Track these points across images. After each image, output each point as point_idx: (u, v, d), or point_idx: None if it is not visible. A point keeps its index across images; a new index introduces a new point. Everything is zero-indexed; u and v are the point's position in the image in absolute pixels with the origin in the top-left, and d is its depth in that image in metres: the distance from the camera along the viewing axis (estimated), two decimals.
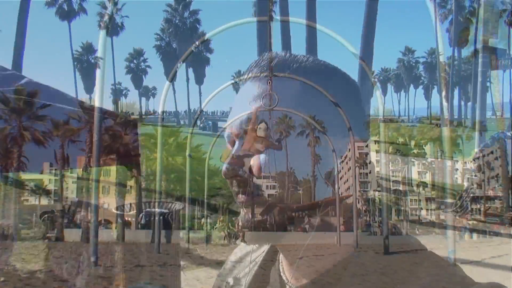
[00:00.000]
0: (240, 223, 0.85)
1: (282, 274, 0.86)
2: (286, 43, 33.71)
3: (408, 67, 55.03)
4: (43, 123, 19.91)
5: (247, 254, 0.96)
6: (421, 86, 56.14)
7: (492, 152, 17.41)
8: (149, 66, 51.97)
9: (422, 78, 55.63)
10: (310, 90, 0.83)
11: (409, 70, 54.81)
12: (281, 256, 0.88)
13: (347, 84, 0.87)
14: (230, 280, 0.94)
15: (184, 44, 44.17)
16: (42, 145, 20.22)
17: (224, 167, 0.83)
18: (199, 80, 50.41)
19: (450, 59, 44.14)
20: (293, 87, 0.82)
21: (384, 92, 55.04)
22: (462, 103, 47.54)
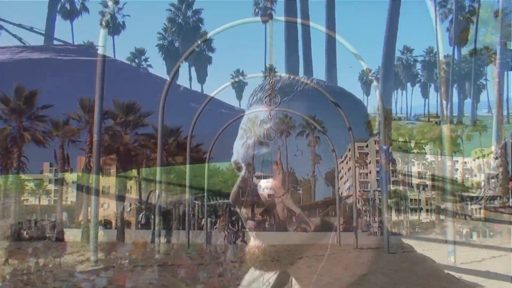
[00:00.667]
0: (250, 251, 0.85)
1: None
2: (306, 45, 33.96)
3: (406, 65, 55.36)
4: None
5: (260, 275, 0.96)
6: (418, 84, 56.55)
7: None
8: (150, 66, 52.01)
9: (419, 76, 56.02)
10: (313, 113, 0.83)
11: (407, 68, 55.15)
12: (293, 279, 0.89)
13: (354, 105, 0.87)
14: None
15: (187, 43, 44.43)
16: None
17: (232, 193, 0.84)
18: (201, 79, 50.51)
19: (448, 57, 44.31)
20: (297, 110, 0.82)
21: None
22: (457, 100, 48.00)
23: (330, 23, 33.20)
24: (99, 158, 14.40)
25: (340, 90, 0.89)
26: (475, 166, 29.33)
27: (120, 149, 20.48)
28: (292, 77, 0.85)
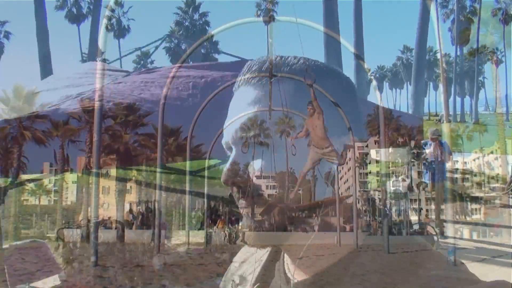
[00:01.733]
0: (242, 225, 0.86)
1: (287, 271, 0.86)
2: (336, 47, 34.28)
3: (406, 64, 55.85)
4: None
5: (252, 254, 0.96)
6: None
7: None
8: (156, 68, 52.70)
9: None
10: (301, 94, 0.82)
11: (407, 67, 55.58)
12: (284, 255, 0.89)
13: (342, 82, 0.86)
14: (236, 279, 0.95)
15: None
16: None
17: (223, 174, 0.83)
18: None
19: (447, 56, 44.86)
20: (286, 92, 0.81)
21: (380, 89, 55.63)
22: (460, 98, 48.46)
23: (358, 24, 33.65)
24: (99, 158, 14.39)
25: (328, 68, 0.87)
26: (475, 166, 29.27)
27: (120, 149, 20.49)
28: (279, 57, 0.83)
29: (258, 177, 0.83)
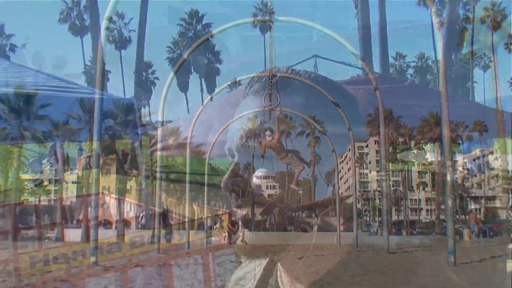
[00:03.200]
0: (239, 240, 0.85)
1: (280, 285, 0.86)
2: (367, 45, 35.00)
3: (399, 71, 56.93)
4: None
5: (249, 270, 0.96)
6: None
7: None
8: (157, 78, 53.85)
9: (410, 80, 57.49)
10: (309, 105, 0.82)
11: (400, 74, 56.56)
12: (279, 266, 0.88)
13: (344, 97, 0.85)
14: None
15: (197, 55, 46.58)
16: None
17: (223, 181, 0.82)
18: (211, 90, 52.34)
19: (439, 62, 46.21)
20: (294, 102, 0.81)
21: None
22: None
23: (382, 20, 34.55)
24: (99, 158, 14.36)
25: (328, 81, 0.86)
26: (475, 166, 29.34)
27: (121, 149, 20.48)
28: (290, 70, 0.82)
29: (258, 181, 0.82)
